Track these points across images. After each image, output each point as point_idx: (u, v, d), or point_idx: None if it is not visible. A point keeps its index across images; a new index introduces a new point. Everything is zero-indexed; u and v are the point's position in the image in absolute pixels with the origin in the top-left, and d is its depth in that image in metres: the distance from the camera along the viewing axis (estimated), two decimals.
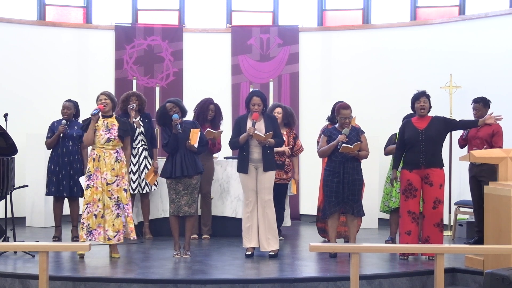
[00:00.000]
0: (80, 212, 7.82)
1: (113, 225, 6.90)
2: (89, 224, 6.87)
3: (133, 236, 7.04)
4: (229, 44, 10.73)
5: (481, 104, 7.94)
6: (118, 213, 6.93)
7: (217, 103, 8.52)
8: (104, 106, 6.99)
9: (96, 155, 6.93)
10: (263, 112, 7.21)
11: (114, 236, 6.91)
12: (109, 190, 6.91)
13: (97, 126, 6.97)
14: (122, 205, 6.95)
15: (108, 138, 6.94)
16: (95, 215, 6.87)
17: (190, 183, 7.06)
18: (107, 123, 6.98)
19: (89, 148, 7.21)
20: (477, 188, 7.86)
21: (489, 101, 7.98)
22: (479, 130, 7.82)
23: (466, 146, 8.03)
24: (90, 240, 6.85)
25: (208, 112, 8.37)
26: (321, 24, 10.86)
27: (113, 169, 6.93)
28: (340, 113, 7.23)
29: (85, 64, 10.52)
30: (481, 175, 7.70)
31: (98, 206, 6.87)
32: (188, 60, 10.72)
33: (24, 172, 9.31)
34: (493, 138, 7.76)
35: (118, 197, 6.93)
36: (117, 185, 6.94)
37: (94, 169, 6.91)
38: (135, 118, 8.22)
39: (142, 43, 10.61)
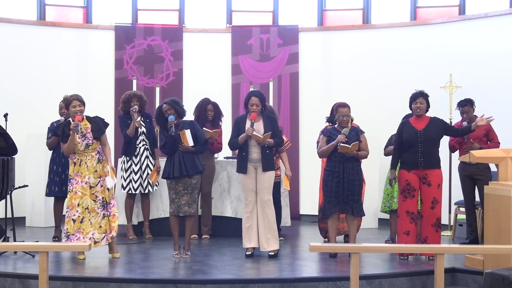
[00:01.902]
0: None
1: (100, 226, 6.86)
2: (67, 229, 6.82)
3: (113, 234, 6.94)
4: (229, 44, 10.73)
5: (469, 106, 7.95)
6: (104, 214, 6.89)
7: (215, 101, 8.52)
8: (81, 114, 6.86)
9: (78, 159, 6.87)
10: (262, 112, 7.21)
11: (102, 238, 6.87)
12: (93, 193, 6.85)
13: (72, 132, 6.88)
14: (106, 205, 6.91)
15: (87, 144, 6.88)
16: (74, 220, 6.81)
17: (190, 183, 7.06)
18: (80, 128, 6.89)
19: None
20: (471, 187, 7.89)
21: (473, 100, 7.99)
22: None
23: (458, 150, 8.05)
24: None
25: (207, 113, 8.38)
26: (321, 24, 10.86)
27: (96, 171, 6.87)
28: (338, 111, 7.25)
29: (85, 64, 10.52)
30: (478, 173, 7.72)
31: (77, 211, 6.81)
32: (188, 60, 10.72)
33: (24, 172, 9.31)
34: (489, 136, 7.85)
35: (102, 197, 6.89)
36: (101, 186, 6.89)
37: (74, 173, 6.86)
38: (137, 119, 8.23)
39: (142, 43, 10.60)
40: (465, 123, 7.90)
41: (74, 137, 6.81)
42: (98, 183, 6.86)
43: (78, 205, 6.81)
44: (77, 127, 6.80)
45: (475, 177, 7.81)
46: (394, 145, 7.31)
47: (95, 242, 6.82)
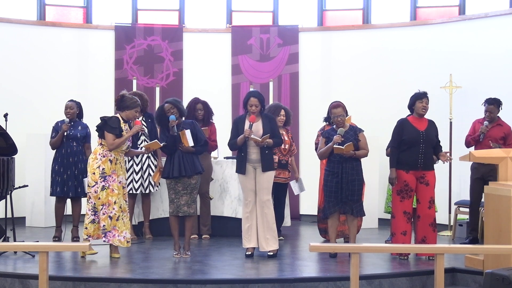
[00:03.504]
0: (82, 212, 7.84)
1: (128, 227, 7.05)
2: (104, 226, 6.86)
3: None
4: (229, 44, 10.73)
5: (495, 105, 8.00)
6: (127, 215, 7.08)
7: (204, 100, 8.50)
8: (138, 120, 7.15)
9: (114, 157, 6.92)
10: (261, 112, 7.21)
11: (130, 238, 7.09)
12: (125, 194, 7.00)
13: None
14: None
15: (129, 145, 7.03)
16: (110, 217, 6.86)
17: (189, 183, 7.07)
18: (126, 129, 7.03)
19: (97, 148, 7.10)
20: (481, 188, 7.88)
21: (501, 102, 8.01)
22: (490, 130, 7.93)
23: (473, 146, 8.05)
24: (104, 241, 6.90)
25: (197, 112, 8.36)
26: (321, 24, 10.86)
27: (125, 172, 7.07)
28: (331, 112, 7.27)
29: (85, 64, 10.52)
30: (490, 174, 7.68)
31: (113, 209, 6.86)
32: (188, 60, 10.72)
33: (24, 172, 9.31)
34: (507, 140, 7.91)
35: (127, 199, 7.09)
36: (126, 188, 7.11)
37: (110, 171, 6.90)
38: (138, 118, 8.21)
39: (142, 43, 10.61)
40: (486, 123, 7.94)
41: (129, 135, 6.94)
42: (126, 184, 7.06)
43: (115, 202, 6.87)
44: (144, 131, 7.17)
45: (486, 178, 7.76)
46: (393, 143, 7.26)
47: (127, 242, 6.96)
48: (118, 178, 6.91)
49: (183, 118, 7.21)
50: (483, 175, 7.86)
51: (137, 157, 8.27)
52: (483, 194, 6.63)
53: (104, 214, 6.85)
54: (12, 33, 10.12)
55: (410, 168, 7.02)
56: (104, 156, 6.90)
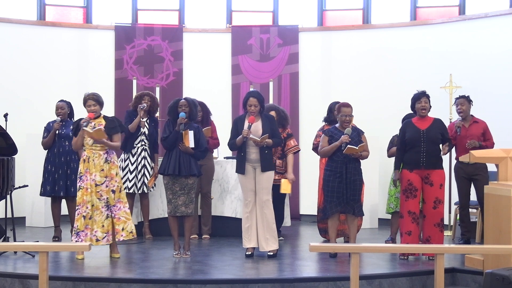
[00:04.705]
0: None
1: (103, 226, 6.86)
2: (77, 226, 6.84)
3: (118, 237, 6.93)
4: (229, 44, 10.73)
5: (465, 99, 8.02)
6: (107, 214, 6.89)
7: (201, 101, 8.45)
8: (94, 113, 6.97)
9: (86, 156, 6.92)
10: (261, 112, 7.21)
11: (103, 238, 6.86)
12: (98, 191, 6.87)
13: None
14: (110, 206, 6.91)
15: (95, 141, 6.92)
16: (84, 217, 6.84)
17: (187, 183, 7.06)
18: (94, 124, 6.94)
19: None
20: (468, 188, 7.92)
21: (470, 99, 8.03)
22: (468, 129, 7.91)
23: (454, 147, 8.07)
24: (76, 241, 6.79)
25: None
26: (321, 24, 10.86)
27: (102, 170, 6.89)
28: (341, 111, 7.25)
29: (85, 64, 10.52)
30: (476, 173, 7.74)
31: (87, 208, 6.84)
32: (188, 60, 10.72)
33: (24, 172, 9.32)
34: (486, 136, 7.91)
35: (107, 198, 6.89)
36: (106, 186, 6.90)
37: (84, 170, 6.90)
38: (143, 118, 8.22)
39: (142, 43, 10.61)
40: (459, 118, 7.96)
41: (83, 133, 6.88)
42: (104, 182, 6.89)
43: (88, 201, 6.85)
44: (86, 123, 6.87)
45: (473, 177, 7.82)
46: (397, 145, 7.31)
47: (97, 240, 6.84)
48: (91, 176, 6.88)
49: (192, 121, 7.20)
50: (469, 174, 7.87)
51: (133, 156, 8.26)
52: (482, 193, 6.62)
53: (78, 214, 6.85)
54: (12, 33, 10.12)
55: (414, 167, 7.03)
56: (82, 157, 6.98)
